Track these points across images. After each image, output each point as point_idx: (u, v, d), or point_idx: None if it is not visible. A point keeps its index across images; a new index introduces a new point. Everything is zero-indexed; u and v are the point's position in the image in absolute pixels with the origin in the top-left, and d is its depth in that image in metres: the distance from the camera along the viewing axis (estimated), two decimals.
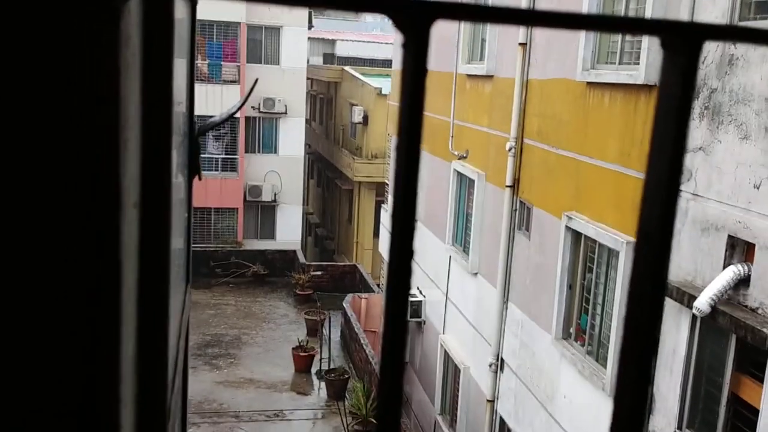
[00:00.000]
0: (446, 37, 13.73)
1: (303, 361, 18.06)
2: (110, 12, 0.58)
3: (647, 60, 7.58)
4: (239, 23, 26.07)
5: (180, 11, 1.43)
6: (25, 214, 0.61)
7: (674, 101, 0.46)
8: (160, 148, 0.93)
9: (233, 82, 25.77)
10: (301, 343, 18.36)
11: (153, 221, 0.89)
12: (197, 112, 2.20)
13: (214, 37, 25.94)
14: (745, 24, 6.39)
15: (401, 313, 0.46)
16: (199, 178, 1.91)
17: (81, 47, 0.58)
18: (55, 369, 0.64)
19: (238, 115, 25.40)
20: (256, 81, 3.56)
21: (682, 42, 0.46)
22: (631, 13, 8.26)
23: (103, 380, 0.67)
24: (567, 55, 9.35)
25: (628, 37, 8.33)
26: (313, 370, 18.10)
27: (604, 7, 8.78)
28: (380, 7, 0.38)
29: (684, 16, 7.00)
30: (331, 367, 17.66)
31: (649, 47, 7.58)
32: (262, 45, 26.99)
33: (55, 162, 0.60)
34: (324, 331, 18.88)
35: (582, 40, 8.88)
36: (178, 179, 1.61)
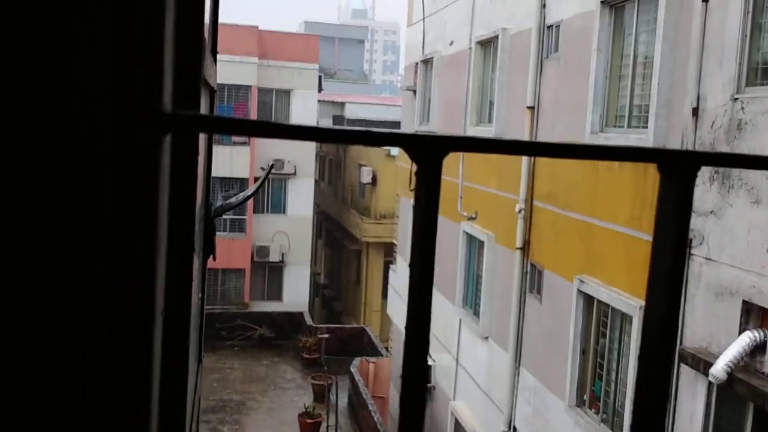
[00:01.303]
0: (455, 100, 13.89)
1: (309, 428, 17.67)
2: (152, 144, 0.64)
3: (656, 123, 7.61)
4: (250, 86, 26.53)
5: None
6: (65, 330, 0.64)
7: (671, 227, 0.49)
8: (183, 259, 0.98)
9: (243, 143, 26.08)
10: (308, 409, 18.01)
11: (174, 326, 0.93)
12: None
13: (225, 99, 26.38)
14: (753, 89, 6.41)
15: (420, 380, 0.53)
16: (214, 259, 1.91)
17: (128, 174, 0.63)
18: None
19: (247, 175, 25.62)
20: (272, 165, 3.61)
21: (677, 169, 0.48)
22: (638, 78, 8.32)
23: None
24: (575, 118, 9.41)
25: (636, 101, 8.39)
26: None
27: (611, 80, 8.85)
28: (397, 142, 0.43)
29: (691, 83, 7.04)
30: None
31: (657, 112, 7.60)
32: (273, 107, 27.43)
33: (95, 275, 0.64)
34: (331, 396, 18.55)
35: (590, 103, 8.94)
36: (194, 263, 1.63)
